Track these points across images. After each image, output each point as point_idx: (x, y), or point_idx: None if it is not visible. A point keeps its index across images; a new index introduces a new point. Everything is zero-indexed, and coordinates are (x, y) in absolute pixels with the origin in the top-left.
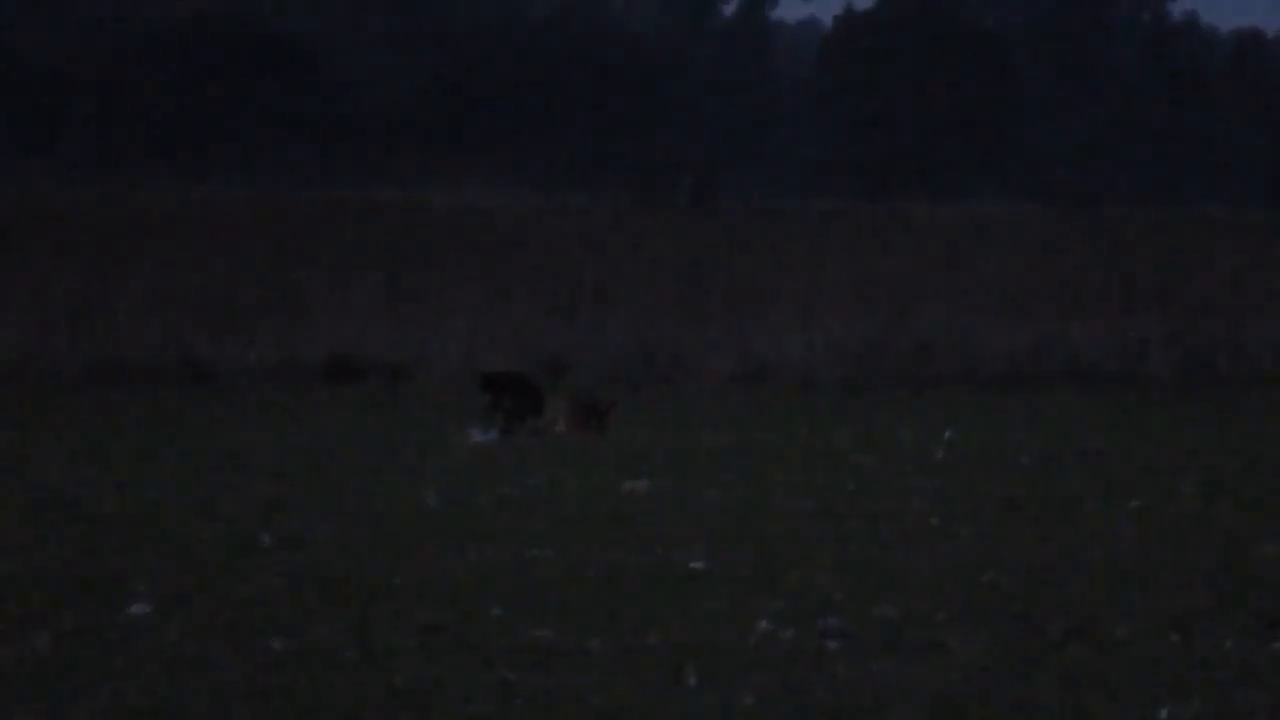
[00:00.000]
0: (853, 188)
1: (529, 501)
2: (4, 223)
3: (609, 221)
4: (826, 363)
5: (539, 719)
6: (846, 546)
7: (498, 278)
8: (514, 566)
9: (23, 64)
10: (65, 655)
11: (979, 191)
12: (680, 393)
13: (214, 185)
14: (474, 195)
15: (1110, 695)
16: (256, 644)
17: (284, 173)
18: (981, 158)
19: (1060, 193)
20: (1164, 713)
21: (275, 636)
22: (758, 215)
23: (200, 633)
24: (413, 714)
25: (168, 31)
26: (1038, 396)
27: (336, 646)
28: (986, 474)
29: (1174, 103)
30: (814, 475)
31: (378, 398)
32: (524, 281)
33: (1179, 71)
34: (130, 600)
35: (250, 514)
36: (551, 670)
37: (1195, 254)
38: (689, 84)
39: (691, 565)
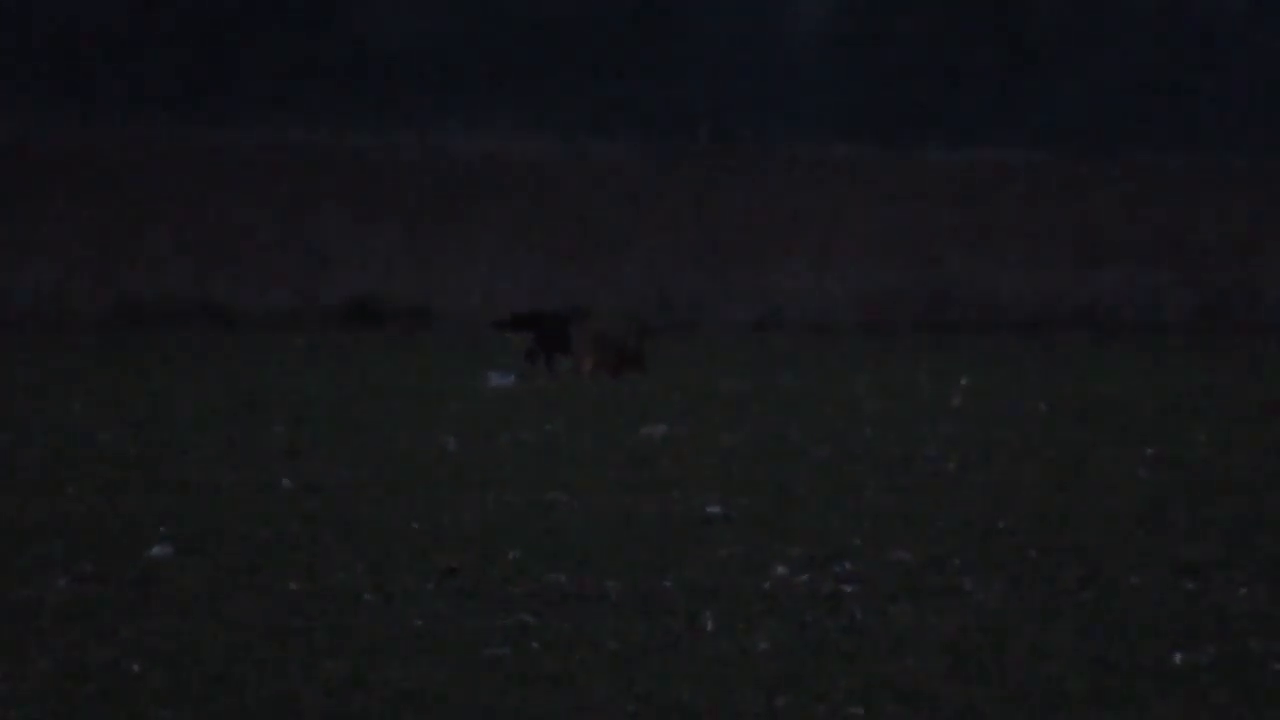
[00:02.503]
0: (871, 134)
1: (547, 446)
2: (27, 167)
3: (628, 168)
4: (844, 309)
5: (555, 662)
6: (863, 492)
7: (516, 223)
8: (532, 511)
9: (43, 9)
10: (85, 597)
11: (997, 138)
12: (698, 338)
13: (235, 130)
14: (494, 141)
15: (1124, 641)
16: (275, 586)
17: (304, 117)
18: (1000, 104)
19: (1078, 140)
20: (1178, 658)
21: (294, 579)
22: (776, 161)
23: (220, 575)
24: (430, 656)
25: None
26: (1055, 343)
27: (355, 589)
28: (1003, 420)
29: (1190, 49)
30: (831, 421)
31: (397, 342)
32: (542, 227)
33: (1195, 18)
34: (150, 542)
35: (270, 457)
36: (568, 614)
37: (1212, 202)
38: (708, 29)
39: (708, 510)
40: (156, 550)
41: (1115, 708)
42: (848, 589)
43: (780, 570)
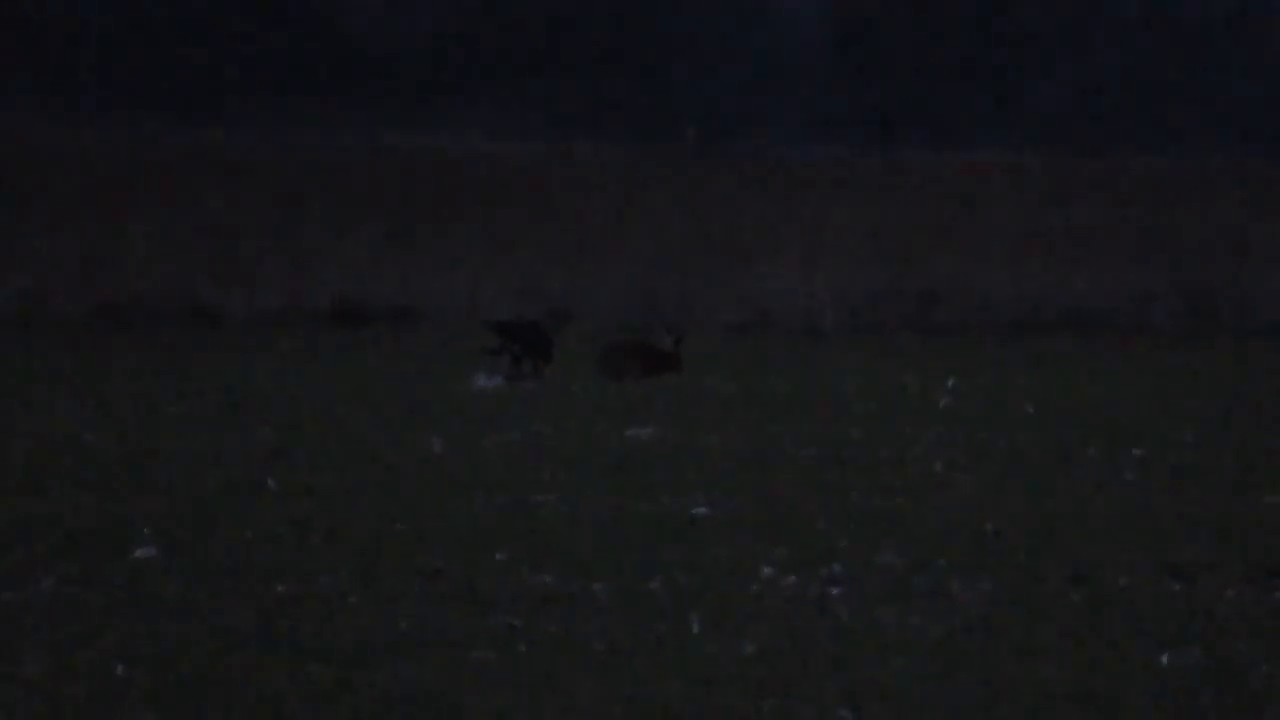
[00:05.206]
0: (858, 136)
1: (533, 448)
2: (11, 169)
3: (614, 169)
4: (831, 310)
5: (542, 664)
6: (850, 494)
7: (502, 224)
8: (518, 513)
9: (30, 10)
10: (71, 598)
11: (983, 140)
12: (685, 340)
13: (219, 132)
14: (479, 141)
15: (1111, 643)
16: (261, 588)
17: (289, 119)
18: (986, 106)
19: (1064, 142)
20: (1164, 660)
21: (280, 581)
22: (763, 163)
23: (205, 577)
24: (416, 659)
25: None
26: (1041, 345)
27: (341, 591)
28: (990, 422)
29: (1177, 50)
30: (818, 423)
31: (383, 344)
32: (528, 228)
33: (1182, 19)
34: (135, 544)
35: (256, 460)
36: (555, 616)
37: (1198, 203)
38: (695, 30)
39: (695, 512)
40: (142, 552)
41: (1103, 709)
42: (835, 591)
43: (767, 572)
